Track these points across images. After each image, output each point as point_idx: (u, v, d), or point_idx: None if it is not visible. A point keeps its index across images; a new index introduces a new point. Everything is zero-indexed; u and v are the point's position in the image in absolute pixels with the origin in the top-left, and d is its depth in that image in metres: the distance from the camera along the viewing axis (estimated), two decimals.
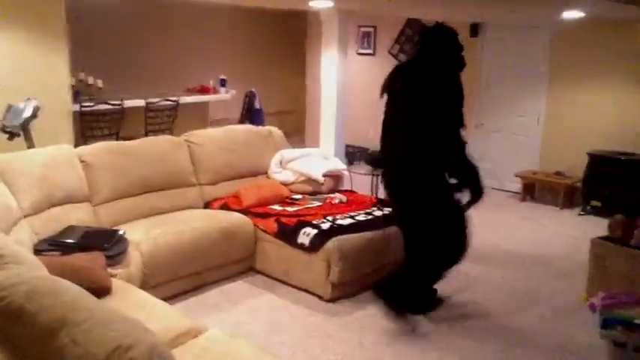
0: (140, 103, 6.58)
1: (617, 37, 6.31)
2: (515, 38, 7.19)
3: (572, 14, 5.50)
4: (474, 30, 7.46)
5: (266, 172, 5.23)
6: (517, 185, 7.19)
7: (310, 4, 5.72)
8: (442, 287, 4.29)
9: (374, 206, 4.74)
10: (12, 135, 5.14)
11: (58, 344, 1.58)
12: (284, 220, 4.31)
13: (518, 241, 5.50)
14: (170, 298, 3.72)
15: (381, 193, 5.58)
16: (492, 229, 5.84)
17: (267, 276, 4.36)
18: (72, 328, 1.59)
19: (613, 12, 5.31)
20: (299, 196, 4.93)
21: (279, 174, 5.18)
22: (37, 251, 3.31)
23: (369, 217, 4.46)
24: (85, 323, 1.59)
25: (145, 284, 3.55)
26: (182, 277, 3.94)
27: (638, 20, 5.87)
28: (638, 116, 6.30)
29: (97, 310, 1.68)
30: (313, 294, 4.07)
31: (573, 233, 5.72)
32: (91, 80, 6.70)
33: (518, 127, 7.31)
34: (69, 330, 1.58)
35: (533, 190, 7.10)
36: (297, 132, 9.19)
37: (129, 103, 6.44)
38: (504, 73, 7.32)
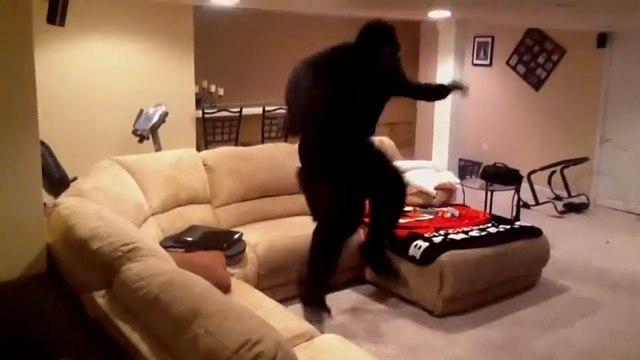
0: (257, 110, 6.85)
1: None
2: None
3: None
4: (602, 40, 7.02)
5: None
6: None
7: (429, 14, 5.67)
8: (559, 311, 4.08)
9: (488, 222, 4.59)
10: (142, 138, 5.55)
11: (191, 334, 1.67)
12: (395, 231, 4.28)
13: None
14: (282, 301, 3.79)
15: (495, 209, 5.44)
16: (618, 254, 5.44)
17: (377, 286, 4.34)
18: (205, 319, 1.67)
19: None
20: (410, 208, 4.87)
21: None
22: (163, 247, 3.52)
23: (483, 233, 4.32)
24: (218, 315, 1.67)
25: (259, 285, 3.66)
26: (293, 281, 4.02)
27: None
28: None
29: (228, 305, 1.75)
30: (423, 308, 4.00)
31: None
32: (212, 88, 7.07)
33: None
34: (202, 321, 1.67)
35: None
36: (407, 143, 9.11)
37: (247, 110, 6.72)
38: (636, 86, 6.81)
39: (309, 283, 3.74)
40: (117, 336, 2.03)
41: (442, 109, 6.31)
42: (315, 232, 3.69)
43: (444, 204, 5.13)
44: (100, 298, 2.23)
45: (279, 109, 6.93)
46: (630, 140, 6.92)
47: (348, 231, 3.74)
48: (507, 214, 5.47)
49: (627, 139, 6.94)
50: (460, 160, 7.43)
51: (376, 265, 4.19)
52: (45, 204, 2.88)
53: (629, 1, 4.11)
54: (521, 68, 7.91)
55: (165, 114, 5.58)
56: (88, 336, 2.15)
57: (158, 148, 5.48)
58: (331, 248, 3.67)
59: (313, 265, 3.69)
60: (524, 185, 6.18)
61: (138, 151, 4.54)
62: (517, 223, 4.73)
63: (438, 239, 4.09)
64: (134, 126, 5.56)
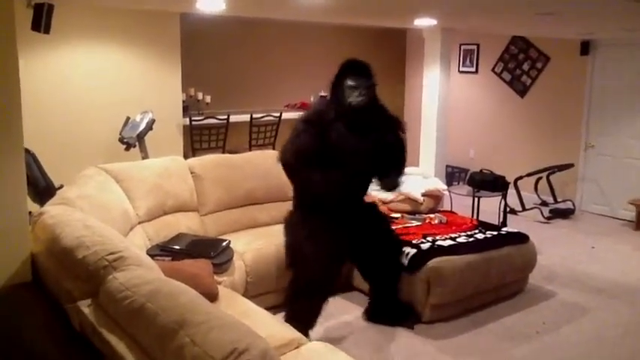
0: (245, 118, 6.85)
1: None
2: (632, 56, 6.77)
3: None
4: (585, 48, 7.11)
5: None
6: (631, 213, 6.72)
7: (415, 22, 5.71)
8: (546, 317, 4.11)
9: (475, 228, 4.61)
10: (128, 146, 5.52)
11: (177, 344, 1.66)
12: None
13: (630, 273, 5.12)
14: (269, 309, 3.77)
15: (482, 215, 5.47)
16: (602, 259, 5.49)
17: (365, 293, 4.33)
18: (191, 329, 1.66)
19: None
20: (397, 215, 4.89)
21: (378, 192, 5.16)
22: (150, 256, 3.49)
23: (471, 239, 4.34)
24: (204, 325, 1.66)
25: (247, 293, 3.65)
26: (281, 288, 3.99)
27: None
28: None
29: (214, 314, 1.74)
30: None
31: None
32: (200, 96, 7.05)
33: (633, 150, 6.84)
34: (188, 330, 1.66)
35: None
36: None
37: (234, 118, 6.71)
38: (618, 93, 6.90)
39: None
40: (102, 346, 2.01)
41: (429, 115, 6.36)
42: (294, 288, 3.57)
43: (432, 210, 5.14)
44: (85, 307, 2.20)
45: (266, 116, 6.94)
46: (613, 146, 7.00)
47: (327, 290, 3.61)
48: (494, 221, 5.50)
49: (610, 146, 7.02)
50: (447, 166, 7.49)
51: (392, 319, 3.93)
52: (30, 212, 2.85)
53: (603, 11, 4.18)
54: (506, 75, 7.97)
55: (152, 121, 5.55)
56: (73, 347, 2.13)
57: (145, 156, 5.45)
58: (314, 306, 3.53)
59: (292, 316, 3.48)
60: (511, 191, 6.23)
61: (124, 159, 4.52)
62: (504, 229, 4.76)
63: (425, 246, 4.10)
64: (121, 133, 5.53)
